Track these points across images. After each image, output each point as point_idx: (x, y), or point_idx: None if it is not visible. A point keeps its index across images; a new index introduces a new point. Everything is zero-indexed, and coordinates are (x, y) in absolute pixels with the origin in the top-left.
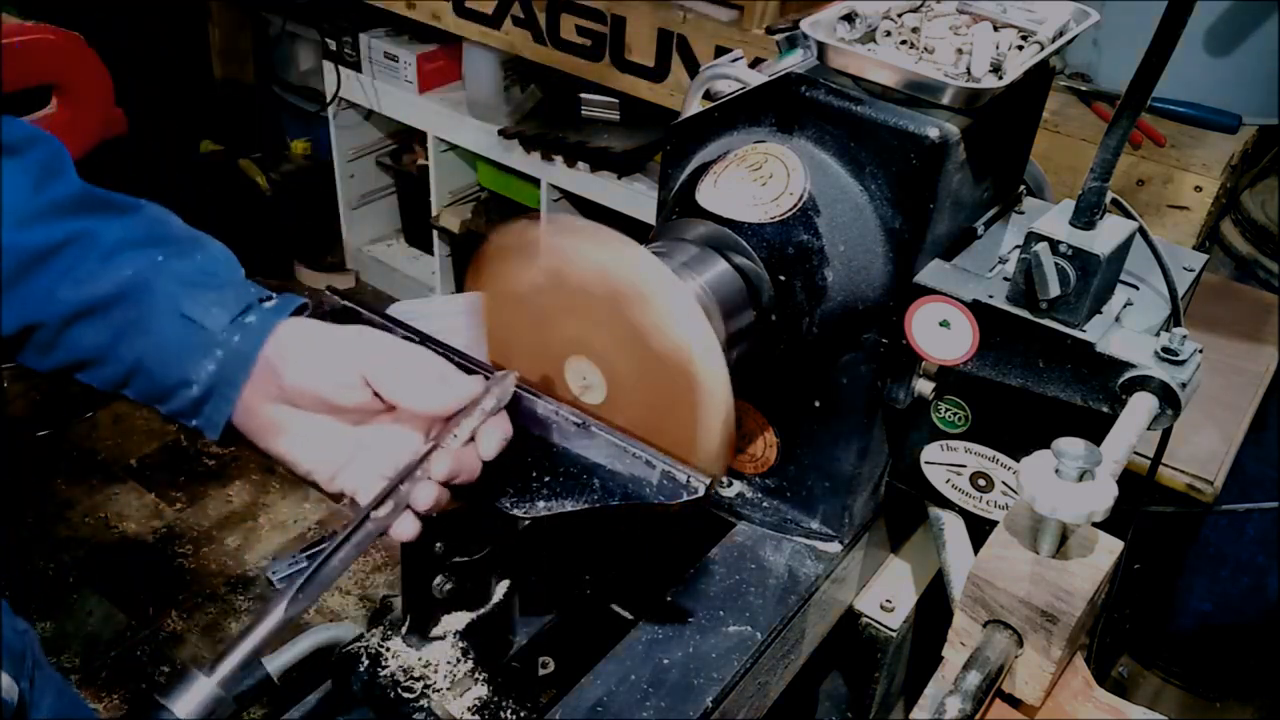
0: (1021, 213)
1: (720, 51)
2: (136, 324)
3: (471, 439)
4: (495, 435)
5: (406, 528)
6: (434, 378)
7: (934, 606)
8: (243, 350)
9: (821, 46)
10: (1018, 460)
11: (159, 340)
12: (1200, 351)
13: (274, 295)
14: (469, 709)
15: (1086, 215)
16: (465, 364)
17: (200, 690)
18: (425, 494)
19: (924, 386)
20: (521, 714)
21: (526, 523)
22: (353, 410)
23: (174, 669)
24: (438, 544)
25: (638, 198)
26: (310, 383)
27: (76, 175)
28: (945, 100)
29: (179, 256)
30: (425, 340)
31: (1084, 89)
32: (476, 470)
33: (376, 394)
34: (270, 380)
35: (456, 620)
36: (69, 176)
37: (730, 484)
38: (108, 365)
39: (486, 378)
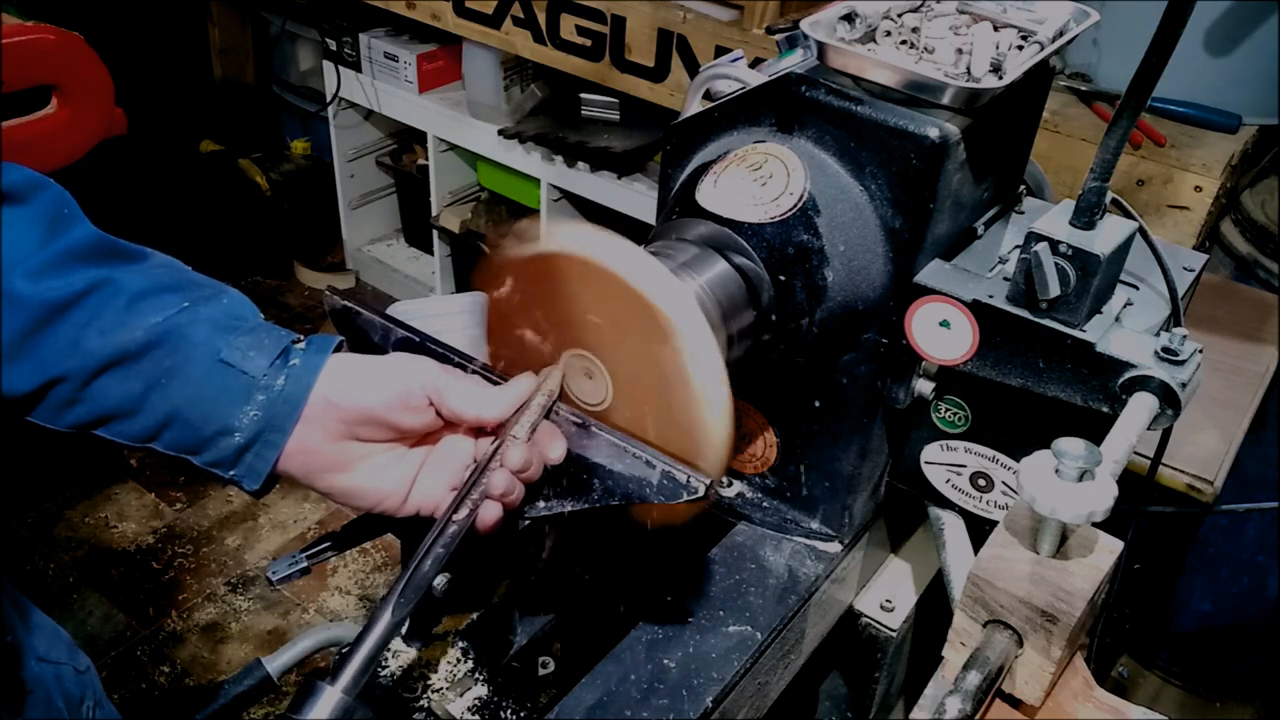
0: (1021, 213)
1: (720, 51)
2: (171, 372)
3: (530, 436)
4: (558, 441)
5: (491, 513)
6: (485, 386)
7: (934, 606)
8: (290, 393)
9: (821, 46)
10: (1018, 460)
11: (196, 388)
12: (1200, 351)
13: (301, 336)
14: (469, 709)
15: (1086, 215)
16: (466, 364)
17: (329, 700)
18: (500, 480)
19: (924, 386)
20: (521, 714)
21: (526, 523)
22: (417, 430)
23: (174, 669)
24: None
25: (638, 198)
26: (378, 411)
27: (87, 220)
28: (945, 100)
29: (205, 302)
30: (425, 340)
31: (1084, 89)
32: (540, 469)
33: (437, 411)
34: (331, 417)
35: (456, 620)
36: (81, 222)
37: (730, 484)
38: (138, 417)
39: (491, 378)
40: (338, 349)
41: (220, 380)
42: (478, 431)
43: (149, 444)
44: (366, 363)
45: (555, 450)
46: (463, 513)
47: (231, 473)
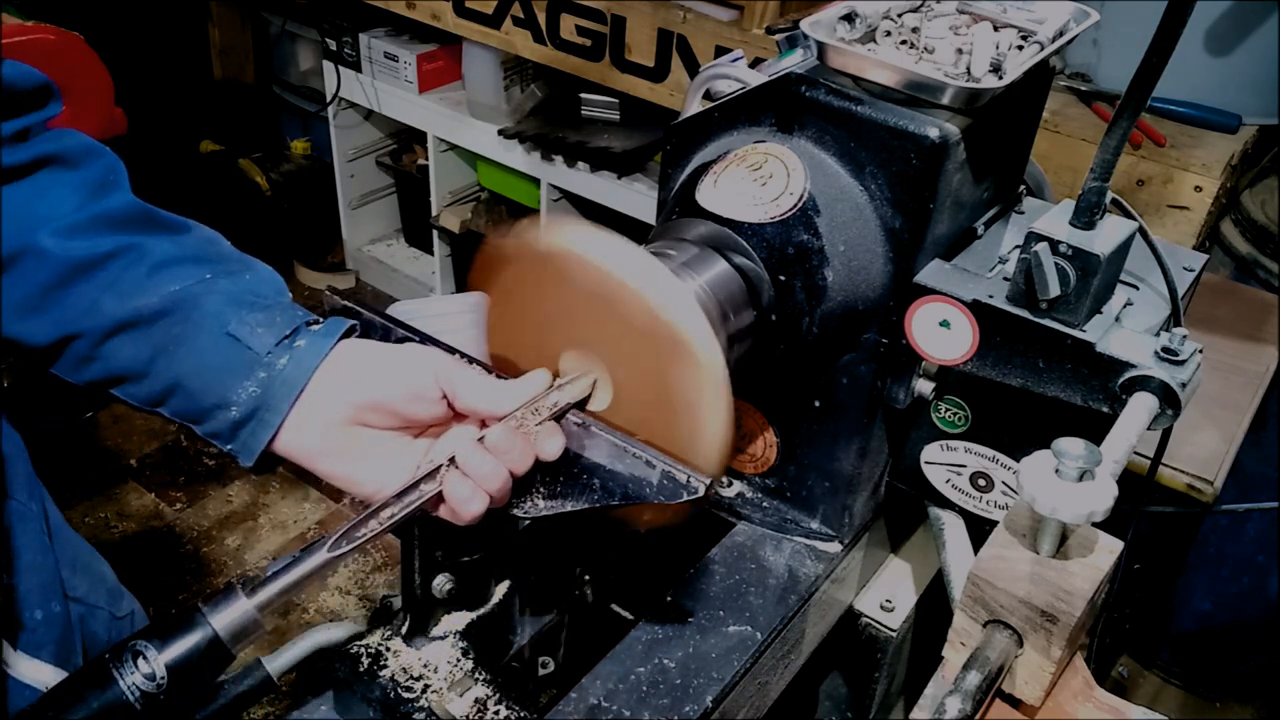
0: (1021, 213)
1: (720, 51)
2: (179, 340)
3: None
4: (555, 437)
5: (450, 481)
6: (498, 380)
7: (934, 606)
8: (290, 375)
9: (821, 46)
10: (1018, 460)
11: (200, 358)
12: (1200, 351)
13: (320, 319)
14: (469, 709)
15: (1086, 215)
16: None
17: (239, 608)
18: (463, 450)
19: (924, 386)
20: (521, 714)
21: (526, 523)
22: (425, 422)
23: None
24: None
25: (638, 198)
26: (389, 400)
27: (130, 191)
28: (945, 100)
29: (227, 275)
30: (426, 340)
31: (1084, 89)
32: (526, 462)
33: (449, 404)
34: (339, 402)
35: (456, 620)
36: (123, 191)
37: (730, 484)
38: (145, 381)
39: (490, 373)
40: (348, 333)
41: (225, 353)
42: (484, 425)
43: (158, 409)
44: (380, 350)
45: (550, 445)
46: (432, 484)
47: (229, 446)
